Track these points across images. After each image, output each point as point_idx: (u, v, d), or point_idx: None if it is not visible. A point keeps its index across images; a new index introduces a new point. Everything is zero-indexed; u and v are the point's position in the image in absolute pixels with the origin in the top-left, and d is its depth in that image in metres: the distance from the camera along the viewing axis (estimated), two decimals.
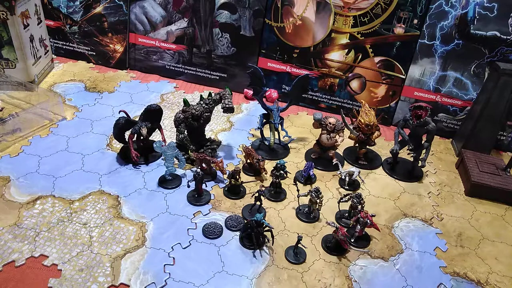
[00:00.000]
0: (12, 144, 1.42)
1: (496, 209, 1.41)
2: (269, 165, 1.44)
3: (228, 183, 1.32)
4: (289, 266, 1.10)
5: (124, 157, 1.42)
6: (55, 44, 2.06)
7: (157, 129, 1.47)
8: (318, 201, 1.23)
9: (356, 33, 1.75)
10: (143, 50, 2.01)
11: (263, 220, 1.10)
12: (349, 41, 1.78)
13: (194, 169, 1.40)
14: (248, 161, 1.43)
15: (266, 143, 1.55)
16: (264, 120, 1.53)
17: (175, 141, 1.45)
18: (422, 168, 1.51)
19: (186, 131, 1.44)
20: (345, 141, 1.50)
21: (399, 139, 1.49)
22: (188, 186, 1.28)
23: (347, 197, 1.25)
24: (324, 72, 1.85)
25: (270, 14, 1.82)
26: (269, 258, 1.12)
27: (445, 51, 1.69)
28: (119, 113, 1.40)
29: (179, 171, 1.38)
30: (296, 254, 1.12)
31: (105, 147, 1.47)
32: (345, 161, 1.55)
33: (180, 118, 1.43)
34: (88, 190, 1.27)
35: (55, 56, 2.06)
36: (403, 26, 1.70)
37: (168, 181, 1.33)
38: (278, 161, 1.31)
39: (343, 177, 1.41)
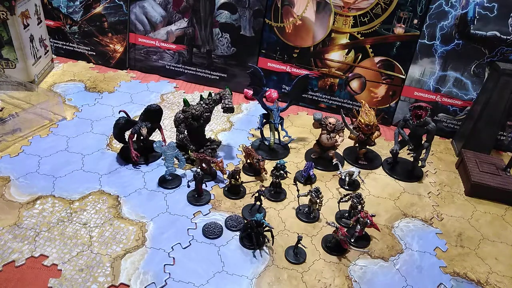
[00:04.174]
0: (12, 144, 1.42)
1: (496, 209, 1.41)
2: (269, 165, 1.44)
3: (228, 183, 1.32)
4: (289, 266, 1.10)
5: (124, 157, 1.42)
6: (55, 44, 2.06)
7: (157, 129, 1.47)
8: (318, 201, 1.23)
9: (356, 33, 1.75)
10: (143, 50, 2.01)
11: (263, 220, 1.10)
12: (349, 41, 1.78)
13: (194, 169, 1.40)
14: (248, 161, 1.43)
15: (266, 143, 1.55)
16: (264, 120, 1.53)
17: (175, 141, 1.45)
18: (422, 168, 1.51)
19: (186, 131, 1.44)
20: (345, 141, 1.50)
21: (399, 139, 1.49)
22: (188, 186, 1.28)
23: (347, 197, 1.25)
24: (324, 72, 1.85)
25: (270, 14, 1.82)
26: (269, 258, 1.12)
27: (445, 51, 1.69)
28: (119, 113, 1.40)
29: (179, 171, 1.38)
30: (296, 254, 1.12)
31: (105, 147, 1.47)
32: (345, 161, 1.55)
33: (180, 118, 1.43)
34: (88, 190, 1.27)
35: (55, 56, 2.06)
36: (403, 26, 1.70)
37: (168, 181, 1.33)
38: (278, 161, 1.31)
39: (343, 177, 1.41)
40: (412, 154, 1.48)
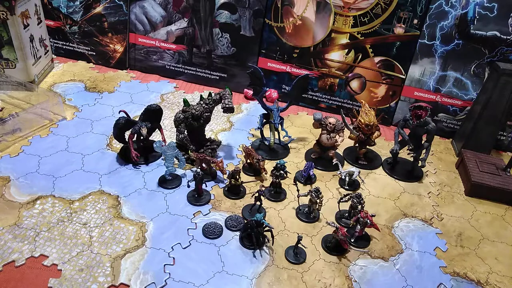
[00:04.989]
0: (12, 144, 1.42)
1: (496, 209, 1.41)
2: (269, 165, 1.44)
3: (228, 183, 1.32)
4: (289, 266, 1.10)
5: (124, 157, 1.42)
6: (55, 44, 2.06)
7: (157, 129, 1.47)
8: (318, 201, 1.23)
9: (356, 33, 1.75)
10: (143, 50, 2.01)
11: (263, 220, 1.10)
12: (349, 41, 1.78)
13: (194, 169, 1.40)
14: (248, 161, 1.43)
15: (266, 143, 1.55)
16: (264, 120, 1.53)
17: (175, 141, 1.45)
18: (422, 168, 1.51)
19: (186, 131, 1.44)
20: (345, 141, 1.50)
21: (399, 139, 1.49)
22: (188, 186, 1.28)
23: (347, 197, 1.25)
24: (324, 72, 1.85)
25: (270, 14, 1.82)
26: (269, 258, 1.12)
27: (445, 51, 1.69)
28: (119, 113, 1.40)
29: (179, 171, 1.38)
30: (296, 254, 1.12)
31: (105, 147, 1.47)
32: (345, 161, 1.55)
33: (180, 118, 1.43)
34: (88, 190, 1.27)
35: (55, 56, 2.06)
36: (403, 26, 1.70)
37: (168, 181, 1.33)
38: (278, 161, 1.31)
39: (343, 177, 1.41)
40: (412, 154, 1.48)
